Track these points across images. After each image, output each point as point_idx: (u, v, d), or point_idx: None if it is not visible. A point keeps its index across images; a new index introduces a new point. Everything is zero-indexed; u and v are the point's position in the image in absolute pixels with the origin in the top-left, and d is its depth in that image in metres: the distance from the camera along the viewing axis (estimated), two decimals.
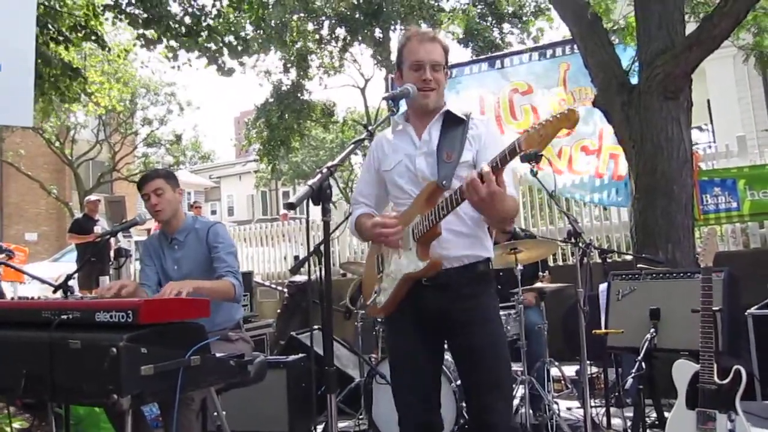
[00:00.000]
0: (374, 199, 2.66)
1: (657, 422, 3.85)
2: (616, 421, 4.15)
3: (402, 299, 2.42)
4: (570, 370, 5.07)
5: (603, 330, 3.76)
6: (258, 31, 13.76)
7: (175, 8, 8.81)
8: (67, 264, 11.95)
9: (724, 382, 2.95)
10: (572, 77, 6.98)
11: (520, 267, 4.27)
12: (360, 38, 18.24)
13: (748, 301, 4.19)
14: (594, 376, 4.91)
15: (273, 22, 16.16)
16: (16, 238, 20.57)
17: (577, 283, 3.82)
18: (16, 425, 3.76)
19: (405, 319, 2.48)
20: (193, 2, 9.01)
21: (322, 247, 2.12)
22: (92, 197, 10.59)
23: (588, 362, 3.83)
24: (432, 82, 2.42)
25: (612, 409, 4.14)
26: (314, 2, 17.29)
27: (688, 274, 3.54)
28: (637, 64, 5.48)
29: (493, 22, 17.72)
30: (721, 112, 12.35)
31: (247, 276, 5.83)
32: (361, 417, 4.47)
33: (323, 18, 18.00)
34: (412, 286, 2.38)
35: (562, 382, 4.96)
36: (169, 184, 3.40)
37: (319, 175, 2.03)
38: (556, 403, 4.36)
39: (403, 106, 2.57)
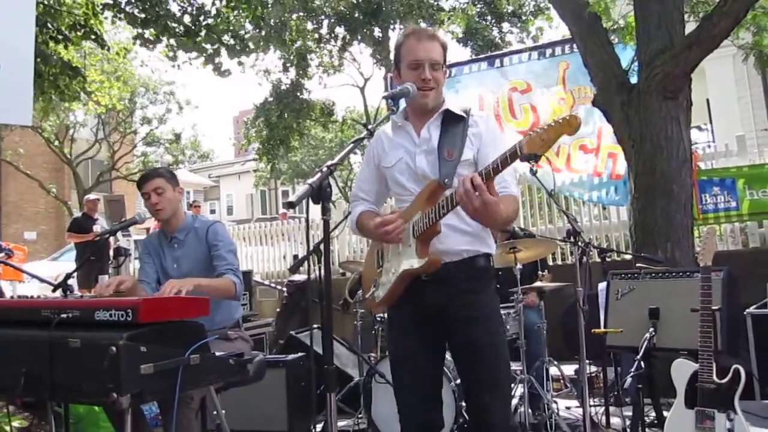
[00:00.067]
0: (374, 194, 2.66)
1: (656, 421, 3.85)
2: (615, 421, 4.15)
3: (401, 295, 2.42)
4: (569, 370, 5.08)
5: (602, 329, 3.77)
6: (257, 30, 13.75)
7: (174, 7, 8.81)
8: (66, 263, 11.95)
9: (723, 381, 2.95)
10: (571, 76, 6.98)
11: (519, 266, 4.28)
12: (359, 37, 18.25)
13: (747, 301, 4.19)
14: (593, 375, 4.92)
15: (272, 21, 16.16)
16: (15, 237, 20.53)
17: (577, 282, 3.82)
18: (15, 424, 3.76)
19: (405, 318, 2.49)
20: (192, 1, 9.01)
21: (321, 246, 2.12)
22: (91, 196, 10.59)
23: (587, 361, 3.83)
24: (431, 81, 2.41)
25: (611, 408, 4.15)
26: (313, 1, 17.29)
27: (688, 273, 3.54)
28: (636, 63, 5.48)
29: (493, 21, 17.73)
30: (721, 112, 12.35)
31: (247, 275, 5.82)
32: (360, 416, 4.47)
33: (322, 17, 18.00)
34: (411, 283, 2.38)
35: (562, 381, 4.97)
36: (169, 183, 3.39)
37: (319, 174, 2.03)
38: (555, 402, 4.37)
39: (402, 104, 2.57)
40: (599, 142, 6.78)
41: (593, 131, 6.78)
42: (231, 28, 9.45)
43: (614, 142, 6.37)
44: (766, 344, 4.07)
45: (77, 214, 11.42)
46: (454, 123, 2.46)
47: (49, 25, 7.80)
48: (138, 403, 2.31)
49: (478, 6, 17.61)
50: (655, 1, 5.22)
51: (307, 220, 2.38)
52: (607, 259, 4.57)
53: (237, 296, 3.31)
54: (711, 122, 12.99)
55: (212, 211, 39.56)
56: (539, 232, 7.64)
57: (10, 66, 4.18)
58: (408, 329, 2.48)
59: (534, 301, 4.77)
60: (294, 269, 4.59)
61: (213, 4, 9.16)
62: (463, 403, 3.91)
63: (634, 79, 5.42)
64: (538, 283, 4.69)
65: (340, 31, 18.40)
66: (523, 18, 17.59)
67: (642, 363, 3.36)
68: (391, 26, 17.44)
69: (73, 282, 4.05)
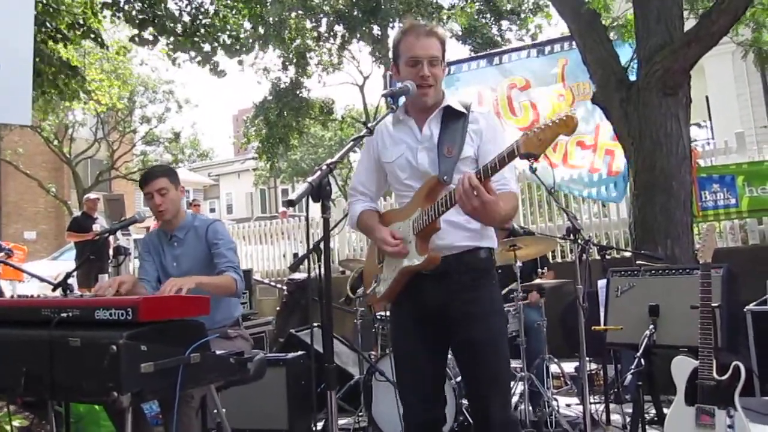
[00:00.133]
0: (373, 188, 2.65)
1: (656, 418, 3.86)
2: (615, 418, 4.16)
3: (401, 291, 2.43)
4: (569, 367, 5.08)
5: (602, 326, 3.77)
6: (254, 30, 13.75)
7: (172, 6, 8.80)
8: (66, 262, 11.97)
9: (723, 378, 2.95)
10: (570, 73, 6.99)
11: (519, 264, 4.28)
12: (358, 35, 18.22)
13: (746, 298, 4.19)
14: (593, 372, 4.92)
15: (271, 19, 16.14)
16: (14, 237, 20.53)
17: (577, 279, 3.83)
18: (16, 423, 3.76)
19: (405, 317, 2.49)
20: (190, 1, 9.01)
21: (321, 245, 2.12)
22: (91, 195, 10.59)
23: (587, 359, 3.84)
24: (430, 78, 2.40)
25: (611, 406, 4.16)
26: (312, 0, 17.28)
27: (687, 270, 3.54)
28: (635, 60, 5.48)
29: (492, 18, 17.72)
30: (720, 109, 12.34)
31: (247, 274, 5.82)
32: (360, 414, 4.47)
33: (321, 15, 17.98)
34: (412, 278, 2.38)
35: (562, 378, 4.98)
36: (172, 182, 3.39)
37: (319, 173, 2.02)
38: (556, 399, 4.37)
39: (402, 100, 2.56)
40: (597, 138, 6.78)
41: (591, 128, 6.78)
42: (229, 27, 9.44)
43: (612, 139, 6.39)
44: (766, 341, 4.07)
45: (77, 213, 11.44)
46: (454, 119, 2.45)
47: (48, 24, 7.79)
48: (138, 401, 2.31)
49: (478, 4, 17.60)
50: None
51: (306, 219, 2.38)
52: (607, 257, 4.58)
53: (238, 293, 3.31)
54: (710, 119, 12.99)
55: (212, 210, 39.56)
56: (539, 229, 7.64)
57: (9, 65, 4.17)
58: (408, 329, 2.49)
59: (536, 300, 4.77)
60: (294, 268, 4.58)
61: (211, 2, 9.15)
62: (464, 401, 3.93)
63: (633, 77, 5.42)
64: (537, 281, 4.69)
65: (339, 29, 18.38)
66: (522, 15, 17.58)
67: (642, 360, 3.35)
68: (390, 24, 17.42)
69: (73, 281, 4.05)
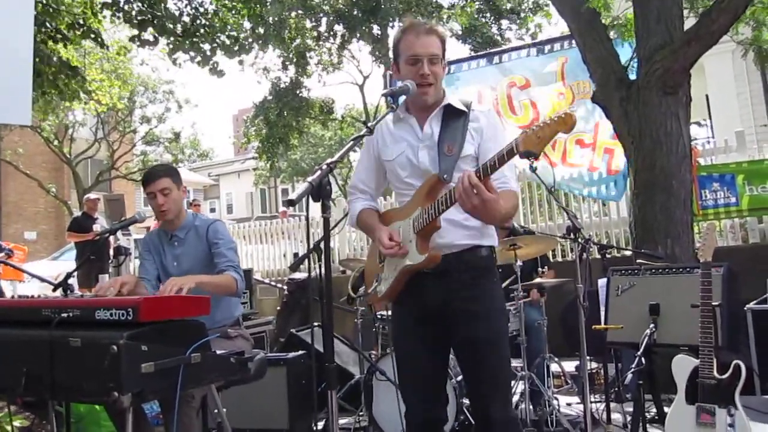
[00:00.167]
0: (373, 186, 2.65)
1: (657, 417, 3.86)
2: (615, 416, 4.16)
3: (402, 290, 2.43)
4: (570, 366, 5.08)
5: (603, 325, 3.77)
6: (256, 29, 13.77)
7: (172, 6, 8.80)
8: (66, 262, 11.96)
9: (724, 377, 2.95)
10: (570, 71, 6.99)
11: (519, 263, 4.28)
12: (358, 35, 18.23)
13: (747, 296, 4.20)
14: (594, 371, 4.92)
15: (271, 19, 16.15)
16: (15, 237, 20.52)
17: (577, 278, 3.83)
18: (16, 423, 3.76)
19: (406, 317, 2.49)
20: (190, 1, 9.01)
21: (321, 244, 2.12)
22: (91, 195, 10.59)
23: (588, 358, 3.84)
24: (430, 77, 2.39)
25: (612, 405, 4.15)
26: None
27: (688, 269, 3.54)
28: (635, 59, 5.48)
29: (492, 18, 17.72)
30: (720, 108, 12.34)
31: (247, 273, 5.83)
32: (361, 413, 4.47)
33: (321, 15, 17.98)
34: (413, 277, 2.38)
35: (562, 377, 4.98)
36: (174, 182, 3.38)
37: (319, 172, 2.02)
38: (556, 398, 4.37)
39: (402, 99, 2.55)
40: (596, 137, 6.78)
41: (591, 126, 6.78)
42: (229, 27, 9.44)
43: (611, 138, 6.40)
44: (766, 340, 4.08)
45: (77, 213, 11.43)
46: (455, 118, 2.44)
47: (48, 24, 7.79)
48: (139, 402, 2.31)
49: (477, 3, 17.60)
50: None
51: (307, 218, 2.38)
52: (607, 256, 4.57)
53: (238, 293, 3.31)
54: (710, 118, 12.99)
55: (212, 210, 39.55)
56: (539, 228, 7.64)
57: (9, 65, 4.17)
58: (409, 328, 2.49)
59: (537, 298, 4.77)
60: (294, 267, 4.58)
61: (211, 2, 9.16)
62: (465, 400, 3.93)
63: (632, 76, 5.42)
64: (538, 280, 4.70)
65: (338, 28, 18.39)
66: (522, 15, 17.59)
67: (642, 359, 3.35)
68: (390, 24, 17.43)
69: (73, 281, 4.05)
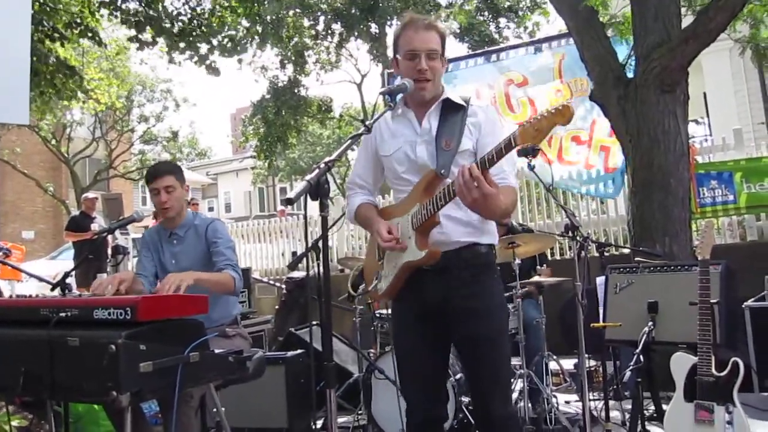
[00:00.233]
0: (371, 181, 2.64)
1: (655, 415, 3.86)
2: (614, 414, 4.16)
3: (402, 287, 2.42)
4: (568, 364, 5.09)
5: (601, 323, 3.77)
6: (252, 27, 13.74)
7: (169, 6, 8.79)
8: (64, 262, 11.96)
9: (722, 374, 2.96)
10: (568, 68, 6.99)
11: (518, 261, 4.28)
12: (356, 34, 18.22)
13: (745, 294, 4.21)
14: (592, 369, 4.93)
15: (268, 17, 16.13)
16: (12, 237, 20.51)
17: (575, 276, 3.83)
18: (15, 423, 3.76)
19: (406, 314, 2.49)
20: (187, 1, 9.01)
21: (320, 243, 2.12)
22: (89, 195, 10.58)
23: (586, 356, 3.85)
24: (428, 72, 2.38)
25: (610, 402, 4.15)
26: None
27: (686, 267, 3.55)
28: (633, 58, 5.48)
29: (490, 16, 17.72)
30: (718, 106, 12.33)
31: (245, 272, 5.82)
32: (360, 412, 4.48)
33: (319, 13, 17.98)
34: (413, 274, 2.37)
35: (561, 375, 4.98)
36: (178, 180, 3.40)
37: (317, 171, 2.02)
38: (555, 396, 4.38)
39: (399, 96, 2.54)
40: (592, 134, 6.79)
41: (588, 124, 6.79)
42: (227, 26, 9.44)
43: (607, 136, 6.40)
44: (764, 337, 4.09)
45: (75, 212, 11.41)
46: (453, 112, 2.43)
47: (45, 23, 7.78)
48: (137, 401, 2.31)
49: (476, 1, 17.59)
50: None
51: (305, 217, 2.38)
52: (606, 254, 4.58)
53: (236, 291, 3.31)
54: (708, 116, 12.98)
55: (210, 209, 39.52)
56: (537, 227, 7.64)
57: (6, 65, 4.16)
58: (409, 325, 2.48)
59: (533, 290, 4.76)
60: (293, 266, 4.57)
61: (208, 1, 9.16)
62: (464, 398, 3.93)
63: (630, 74, 5.42)
64: (536, 278, 4.70)
65: (336, 27, 18.39)
66: (520, 13, 17.59)
67: (641, 357, 3.36)
68: (388, 22, 17.43)
69: (71, 281, 4.05)
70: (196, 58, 9.26)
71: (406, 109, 2.50)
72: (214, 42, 9.24)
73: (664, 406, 3.29)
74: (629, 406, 3.76)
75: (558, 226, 7.43)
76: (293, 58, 18.16)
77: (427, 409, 2.46)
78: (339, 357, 5.15)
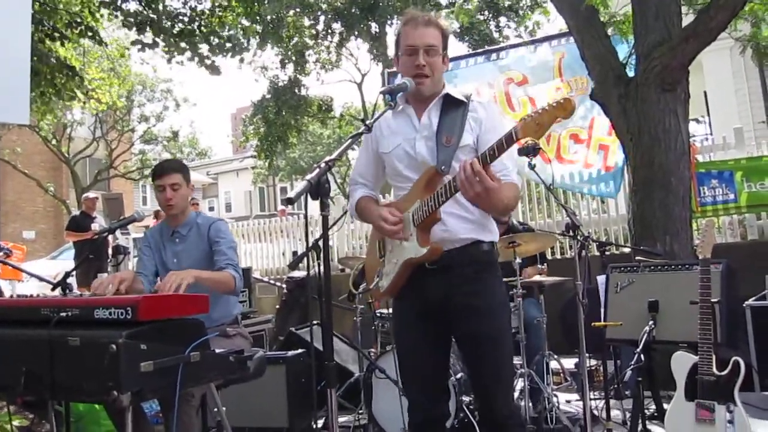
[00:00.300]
0: (372, 178, 2.64)
1: (656, 414, 3.86)
2: (615, 413, 4.16)
3: (404, 284, 2.42)
4: (569, 363, 5.08)
5: (602, 322, 3.77)
6: (251, 28, 13.72)
7: (170, 5, 8.78)
8: (64, 261, 11.98)
9: (723, 373, 2.95)
10: (568, 67, 6.98)
11: (518, 260, 4.28)
12: (356, 33, 18.23)
13: (745, 293, 4.20)
14: (593, 368, 4.93)
15: (269, 17, 16.13)
16: (13, 236, 20.52)
17: (576, 276, 3.83)
18: (16, 423, 3.76)
19: (407, 312, 2.48)
20: (186, 1, 9.01)
21: (320, 242, 2.12)
22: (90, 194, 10.58)
23: (587, 355, 3.84)
24: (426, 68, 2.38)
25: (611, 401, 4.15)
26: None
27: (687, 266, 3.54)
28: (633, 56, 5.48)
29: (490, 15, 17.71)
30: (718, 104, 12.33)
31: (246, 272, 5.82)
32: (360, 411, 4.47)
33: (319, 13, 17.97)
34: (415, 271, 2.37)
35: (562, 374, 4.98)
36: (185, 178, 3.43)
37: (317, 170, 2.02)
38: (556, 395, 4.37)
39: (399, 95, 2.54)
40: (591, 133, 6.78)
41: (587, 122, 6.78)
42: (228, 26, 9.43)
43: (606, 135, 6.39)
44: (765, 336, 4.08)
45: (76, 212, 11.41)
46: (453, 108, 2.43)
47: (45, 23, 7.77)
48: (138, 401, 2.31)
49: (477, 1, 17.57)
50: None
51: (305, 217, 2.38)
52: (606, 253, 4.57)
53: (236, 291, 3.32)
54: (708, 115, 12.98)
55: (210, 209, 39.52)
56: (538, 226, 7.64)
57: (7, 65, 4.16)
58: (411, 323, 2.48)
59: (531, 274, 4.74)
60: (293, 266, 4.57)
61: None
62: (465, 398, 3.93)
63: (631, 73, 5.41)
64: (537, 277, 4.69)
65: (336, 27, 18.39)
66: (521, 12, 17.57)
67: (642, 356, 3.36)
68: (388, 21, 17.43)
69: (72, 280, 4.05)
70: (196, 59, 9.26)
71: (406, 106, 2.49)
72: (214, 42, 9.23)
73: (665, 406, 3.28)
74: (630, 406, 3.75)
75: (558, 225, 7.42)
76: (293, 58, 18.17)
77: (430, 405, 2.46)
78: (340, 356, 5.15)
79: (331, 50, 19.22)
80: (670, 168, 5.05)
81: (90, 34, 8.39)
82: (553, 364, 4.71)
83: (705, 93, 12.45)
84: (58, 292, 3.33)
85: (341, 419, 4.54)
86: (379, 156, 2.56)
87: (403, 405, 2.55)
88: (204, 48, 9.21)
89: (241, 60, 13.77)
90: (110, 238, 9.04)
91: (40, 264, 12.68)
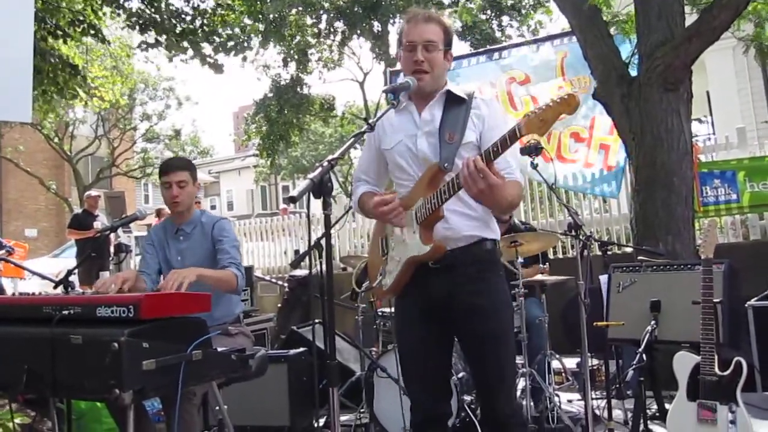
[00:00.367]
0: (375, 175, 2.64)
1: (658, 414, 3.86)
2: (616, 413, 4.16)
3: (407, 283, 2.42)
4: (571, 363, 5.08)
5: (604, 322, 3.76)
6: (254, 26, 13.76)
7: (173, 3, 8.78)
8: (67, 260, 12.00)
9: (725, 373, 2.95)
10: (570, 66, 6.98)
11: (520, 260, 4.28)
12: (358, 32, 18.21)
13: (748, 293, 4.19)
14: (595, 368, 4.92)
15: (271, 16, 16.13)
16: (15, 234, 20.54)
17: (578, 275, 3.82)
18: (17, 420, 3.76)
19: (410, 310, 2.48)
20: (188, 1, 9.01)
21: (322, 241, 2.12)
22: (92, 193, 10.59)
23: (588, 354, 3.84)
24: (424, 64, 2.37)
25: (613, 401, 4.14)
26: None
27: (689, 266, 3.54)
28: (636, 56, 5.47)
29: (492, 14, 17.69)
30: (721, 104, 12.32)
31: (248, 270, 5.83)
32: (362, 410, 4.47)
33: (321, 12, 17.96)
34: (418, 270, 2.37)
35: (563, 374, 4.97)
36: (191, 176, 3.43)
37: (320, 169, 2.01)
38: (557, 395, 4.37)
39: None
40: (591, 132, 6.77)
41: (588, 122, 6.78)
42: (229, 26, 9.43)
43: (607, 134, 6.38)
44: (767, 336, 4.07)
45: (78, 210, 11.44)
46: (456, 105, 2.42)
47: (47, 21, 7.77)
48: (140, 399, 2.31)
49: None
50: None
51: (308, 215, 2.37)
52: (608, 252, 4.56)
53: (238, 290, 3.32)
54: (711, 114, 12.97)
55: (213, 207, 39.54)
56: (540, 225, 7.63)
57: (9, 63, 4.16)
58: (414, 321, 2.47)
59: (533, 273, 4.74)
60: (295, 264, 4.57)
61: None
62: (466, 397, 3.93)
63: (633, 72, 5.41)
64: (539, 277, 4.69)
65: (339, 25, 18.37)
66: (523, 12, 17.55)
67: (644, 356, 3.35)
68: (390, 20, 17.40)
69: (74, 279, 4.05)
70: (198, 57, 9.27)
71: (408, 102, 2.49)
72: (216, 41, 9.24)
73: (667, 406, 3.28)
74: (632, 406, 3.75)
75: (561, 224, 7.41)
76: (296, 57, 18.14)
77: (429, 407, 2.46)
78: (341, 355, 5.15)
79: (333, 49, 19.20)
80: (672, 168, 5.04)
81: (93, 32, 8.39)
82: (555, 364, 4.71)
83: (708, 93, 12.44)
84: (60, 290, 3.33)
85: (342, 418, 4.54)
86: (381, 153, 2.55)
87: (405, 404, 2.54)
88: (207, 47, 9.22)
89: (244, 59, 13.81)
90: (112, 236, 9.05)
91: (42, 262, 12.68)
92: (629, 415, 4.02)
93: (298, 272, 7.16)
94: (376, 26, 17.81)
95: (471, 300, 2.35)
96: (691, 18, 5.30)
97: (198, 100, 45.50)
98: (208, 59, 9.29)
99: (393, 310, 2.90)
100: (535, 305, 4.66)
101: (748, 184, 6.39)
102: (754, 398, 3.53)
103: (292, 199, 1.99)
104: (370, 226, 8.48)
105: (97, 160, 24.99)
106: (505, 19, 17.87)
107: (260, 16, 12.57)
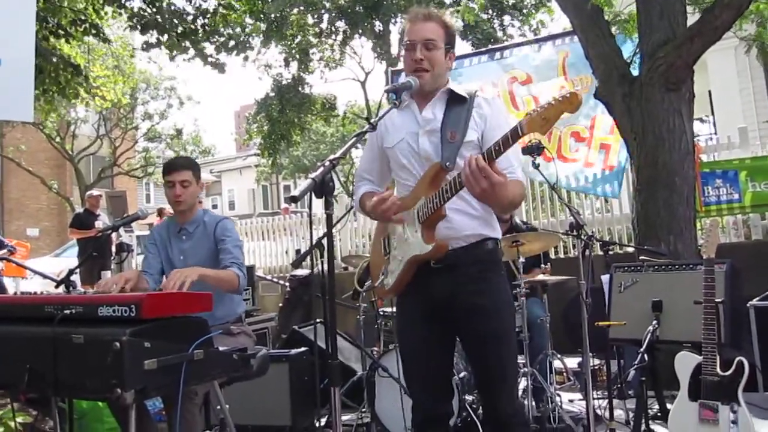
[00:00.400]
0: (377, 174, 2.63)
1: (659, 414, 3.85)
2: (618, 413, 4.15)
3: (409, 282, 2.41)
4: (572, 363, 5.07)
5: (605, 322, 3.76)
6: (256, 26, 13.76)
7: (175, 2, 8.78)
8: (68, 259, 12.00)
9: (727, 373, 2.95)
10: (572, 65, 6.97)
11: (522, 259, 4.27)
12: (360, 31, 18.21)
13: (750, 293, 4.18)
14: (596, 368, 4.92)
15: (272, 15, 16.13)
16: (17, 234, 20.57)
17: (579, 275, 3.82)
18: (19, 420, 3.77)
19: (412, 309, 2.48)
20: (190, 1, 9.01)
21: (324, 241, 2.12)
22: (93, 192, 10.60)
23: (590, 354, 3.84)
24: (424, 62, 2.37)
25: (614, 401, 4.14)
26: None
27: (691, 265, 3.54)
28: (638, 55, 5.47)
29: (494, 14, 17.68)
30: (723, 104, 12.31)
31: (249, 270, 5.83)
32: (363, 410, 4.47)
33: (323, 11, 17.96)
34: (420, 269, 2.37)
35: (565, 374, 4.97)
36: (195, 176, 3.45)
37: (322, 169, 2.01)
38: (559, 395, 4.37)
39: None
40: (592, 131, 6.76)
41: (588, 121, 6.77)
42: (231, 25, 9.42)
43: (607, 134, 6.37)
44: None
45: (79, 210, 11.44)
46: (458, 104, 2.42)
47: (49, 21, 7.78)
48: (142, 398, 2.32)
49: None
50: None
51: (309, 215, 2.37)
52: (610, 252, 4.56)
53: (239, 290, 3.33)
54: (713, 114, 12.97)
55: (214, 206, 39.55)
56: (541, 225, 7.63)
57: (11, 62, 4.17)
58: (415, 321, 2.47)
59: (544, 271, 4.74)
60: (297, 264, 4.58)
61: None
62: (467, 397, 3.93)
63: (635, 72, 5.40)
64: (540, 276, 4.69)
65: (340, 25, 18.36)
66: (525, 11, 17.54)
67: (645, 355, 3.35)
68: (392, 20, 17.40)
69: (75, 278, 4.06)
70: (200, 57, 9.27)
71: (410, 100, 2.49)
72: (218, 40, 9.23)
73: (669, 405, 3.28)
74: (633, 405, 3.75)
75: (562, 224, 7.41)
76: (297, 56, 18.14)
77: (431, 407, 2.46)
78: (342, 355, 5.14)
79: (334, 48, 19.20)
80: (674, 167, 5.04)
81: (94, 31, 8.39)
82: (557, 364, 4.71)
83: (710, 92, 12.43)
84: (61, 289, 3.34)
85: (344, 418, 4.54)
86: (383, 152, 2.55)
87: (406, 404, 2.54)
88: (208, 47, 9.21)
89: (245, 58, 13.76)
90: (114, 235, 9.04)
91: (43, 261, 12.71)
92: (631, 415, 4.01)
93: (300, 272, 7.16)
94: (378, 26, 17.81)
95: (473, 300, 2.35)
96: (693, 18, 5.29)
97: (200, 100, 45.71)
98: (210, 59, 9.28)
99: (394, 309, 2.90)
100: (536, 305, 4.66)
101: (749, 184, 6.38)
102: (756, 398, 3.53)
103: (293, 199, 1.99)
104: (371, 225, 8.48)
105: (98, 160, 25.00)
106: (507, 18, 17.86)
107: (262, 15, 12.57)
